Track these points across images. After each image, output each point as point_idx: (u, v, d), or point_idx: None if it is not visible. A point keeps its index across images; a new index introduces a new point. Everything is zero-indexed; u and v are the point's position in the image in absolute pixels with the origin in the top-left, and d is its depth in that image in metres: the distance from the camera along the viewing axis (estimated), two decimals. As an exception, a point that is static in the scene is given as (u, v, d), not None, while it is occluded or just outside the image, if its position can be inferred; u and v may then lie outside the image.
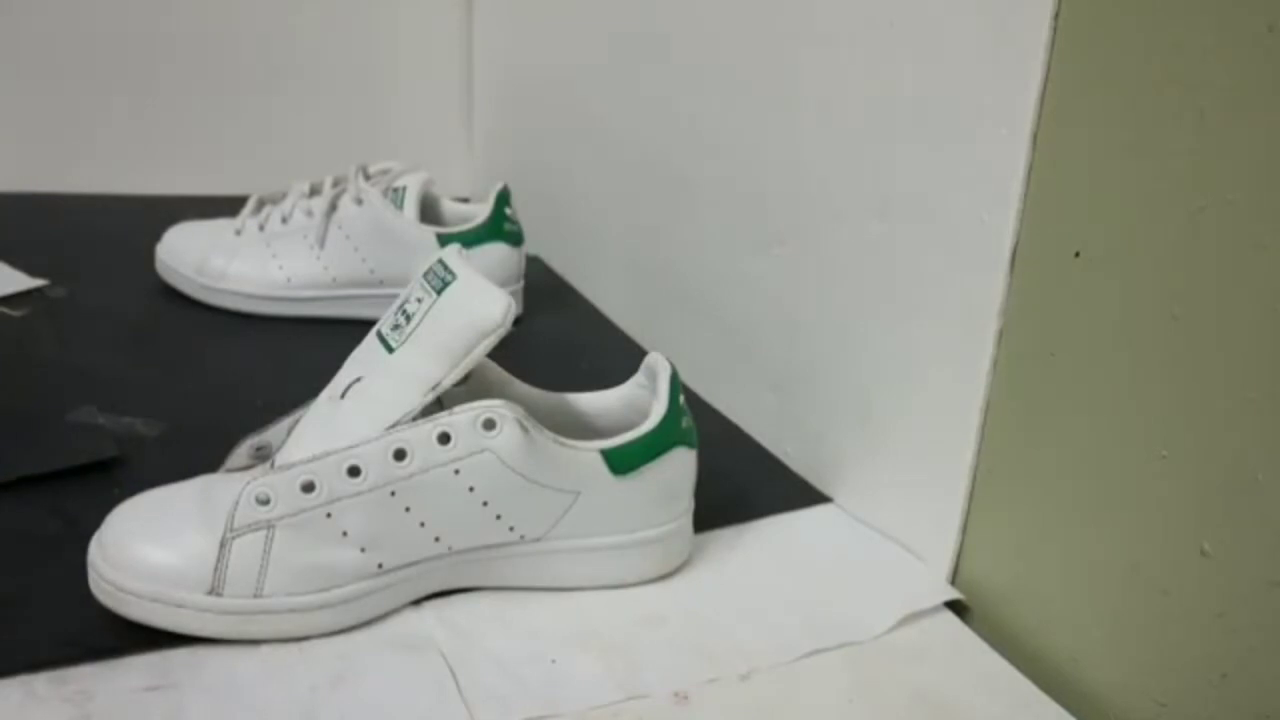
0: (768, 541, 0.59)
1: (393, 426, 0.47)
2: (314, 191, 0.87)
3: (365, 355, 0.50)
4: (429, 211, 0.89)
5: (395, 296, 0.51)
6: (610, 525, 0.52)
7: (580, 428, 0.55)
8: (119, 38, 1.10)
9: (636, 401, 0.55)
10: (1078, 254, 0.47)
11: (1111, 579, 0.47)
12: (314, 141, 1.19)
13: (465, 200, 0.93)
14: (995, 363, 0.52)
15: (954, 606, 0.54)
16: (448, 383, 0.48)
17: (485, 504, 0.49)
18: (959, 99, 0.51)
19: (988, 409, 0.53)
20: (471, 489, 0.49)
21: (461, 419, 0.48)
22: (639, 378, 0.56)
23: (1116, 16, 0.45)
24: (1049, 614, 0.51)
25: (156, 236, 0.87)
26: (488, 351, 0.48)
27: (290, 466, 0.47)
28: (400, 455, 0.47)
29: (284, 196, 0.88)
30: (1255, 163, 0.40)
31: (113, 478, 0.58)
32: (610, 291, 0.91)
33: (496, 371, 0.54)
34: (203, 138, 1.14)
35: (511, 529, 0.50)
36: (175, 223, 0.88)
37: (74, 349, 0.73)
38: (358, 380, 0.48)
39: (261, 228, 0.85)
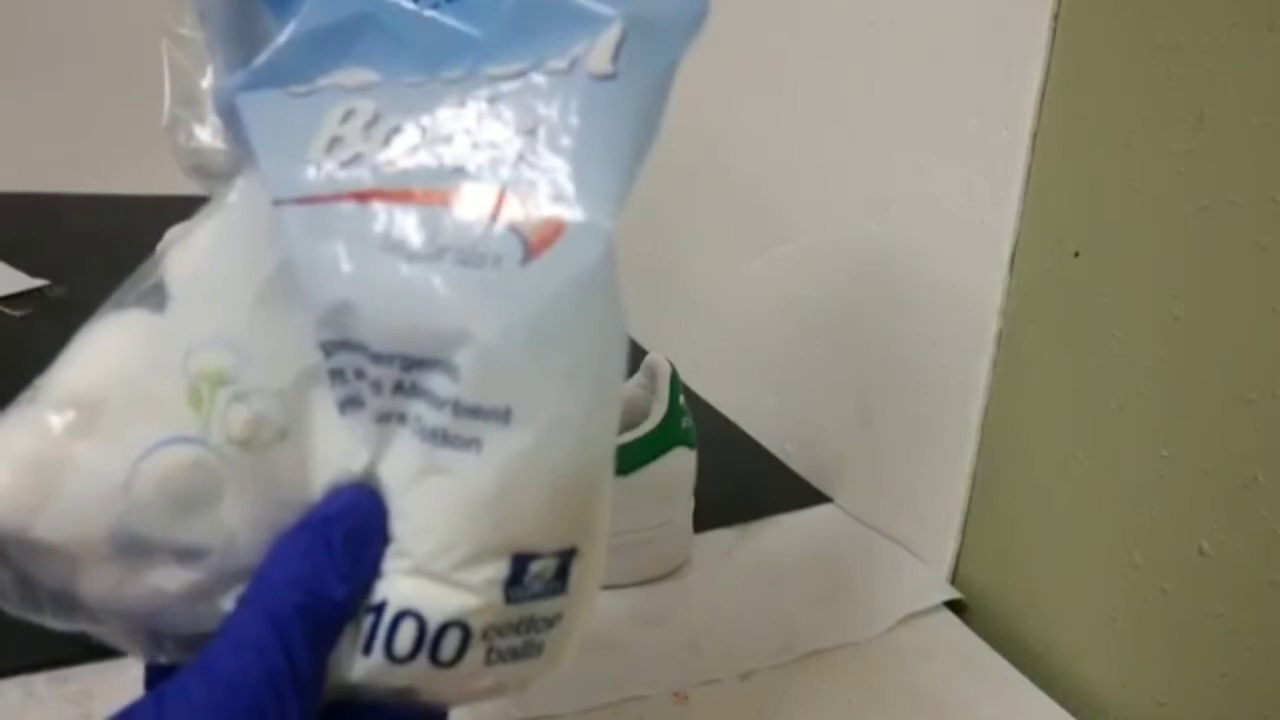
0: (768, 541, 0.59)
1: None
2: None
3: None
4: (429, 211, 0.89)
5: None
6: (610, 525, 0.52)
7: (580, 428, 0.55)
8: (120, 37, 1.10)
9: (636, 401, 0.55)
10: (1077, 254, 0.47)
11: (1111, 579, 0.47)
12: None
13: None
14: (995, 363, 0.52)
15: (954, 606, 0.54)
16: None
17: (485, 504, 0.49)
18: (959, 99, 0.51)
19: (988, 409, 0.53)
20: (472, 489, 0.49)
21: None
22: (639, 378, 0.56)
23: (1116, 16, 0.45)
24: (1049, 614, 0.51)
25: (156, 236, 0.87)
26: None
27: (290, 466, 0.47)
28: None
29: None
30: (1255, 163, 0.40)
31: (113, 478, 0.58)
32: (610, 291, 0.91)
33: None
34: (203, 138, 1.14)
35: (511, 529, 0.50)
36: (175, 223, 0.88)
37: (74, 349, 0.72)
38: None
39: (262, 228, 0.85)
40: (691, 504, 0.55)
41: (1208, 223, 0.42)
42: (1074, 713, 0.47)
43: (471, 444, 0.25)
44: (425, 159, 0.26)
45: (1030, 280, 0.50)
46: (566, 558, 0.27)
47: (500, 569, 0.26)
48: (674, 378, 0.54)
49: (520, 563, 0.26)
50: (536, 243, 0.25)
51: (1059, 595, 0.50)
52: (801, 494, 0.64)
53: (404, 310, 0.25)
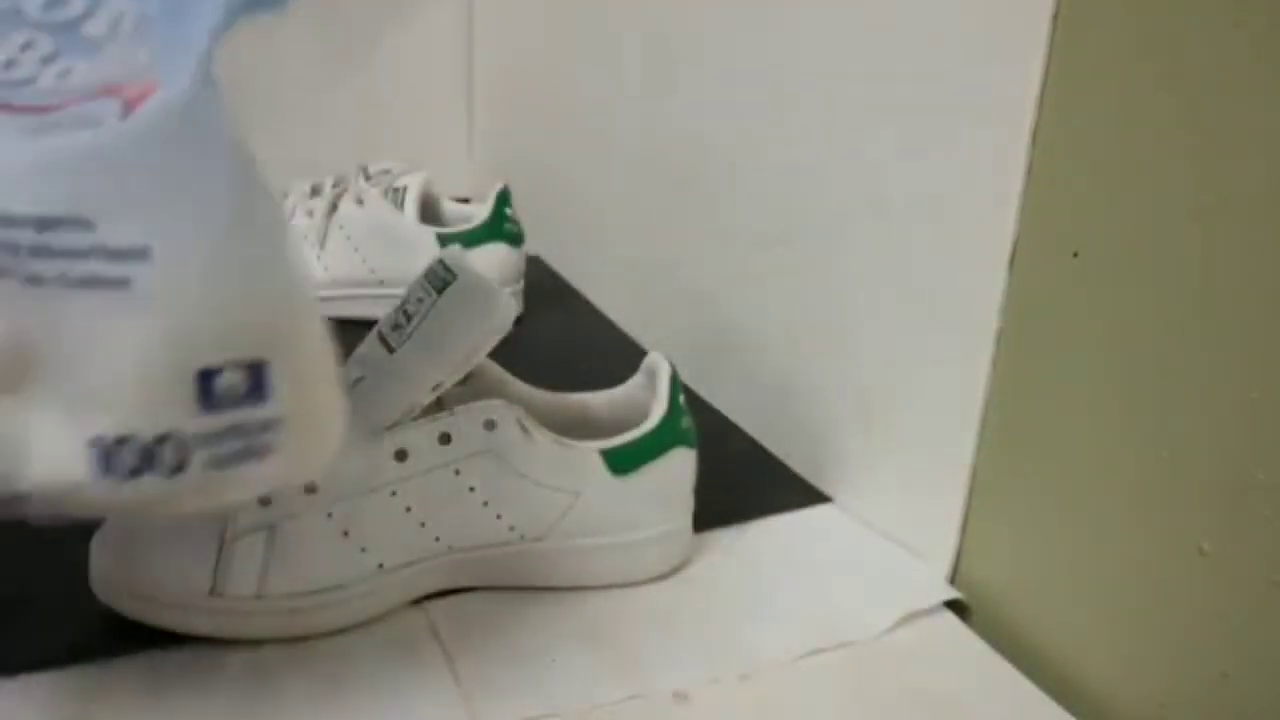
0: (768, 541, 0.59)
1: (393, 427, 0.47)
2: (314, 192, 0.87)
3: (366, 355, 0.50)
4: (429, 211, 0.89)
5: (395, 296, 0.51)
6: (610, 525, 0.52)
7: (580, 428, 0.55)
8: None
9: (636, 401, 0.55)
10: (1077, 254, 0.47)
11: (1111, 579, 0.47)
12: (314, 141, 1.19)
13: (465, 200, 0.93)
14: (995, 363, 0.52)
15: (954, 606, 0.54)
16: (448, 383, 0.48)
17: (485, 504, 0.49)
18: (959, 99, 0.51)
19: (988, 409, 0.53)
20: (472, 489, 0.49)
21: (462, 419, 0.48)
22: (639, 378, 0.56)
23: (1116, 16, 0.45)
24: (1049, 614, 0.51)
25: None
26: (488, 351, 0.48)
27: (290, 466, 0.47)
28: (401, 456, 0.47)
29: (284, 197, 0.88)
30: (1255, 163, 0.40)
31: (113, 478, 0.58)
32: (610, 291, 0.91)
33: (496, 371, 0.54)
34: (203, 138, 1.14)
35: (511, 529, 0.50)
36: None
37: (74, 349, 0.72)
38: (358, 380, 0.48)
39: (262, 228, 0.85)
40: (691, 504, 0.55)
41: (1208, 223, 0.42)
42: (1074, 713, 0.47)
43: (121, 283, 0.29)
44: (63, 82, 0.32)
45: (1030, 280, 0.50)
46: (257, 369, 0.31)
47: (185, 387, 0.30)
48: (674, 378, 0.54)
49: (205, 379, 0.31)
50: (132, 100, 0.30)
51: (1059, 595, 0.50)
52: (801, 494, 0.64)
53: (28, 172, 0.29)
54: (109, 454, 0.31)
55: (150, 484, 0.31)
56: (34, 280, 0.30)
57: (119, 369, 0.30)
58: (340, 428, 0.35)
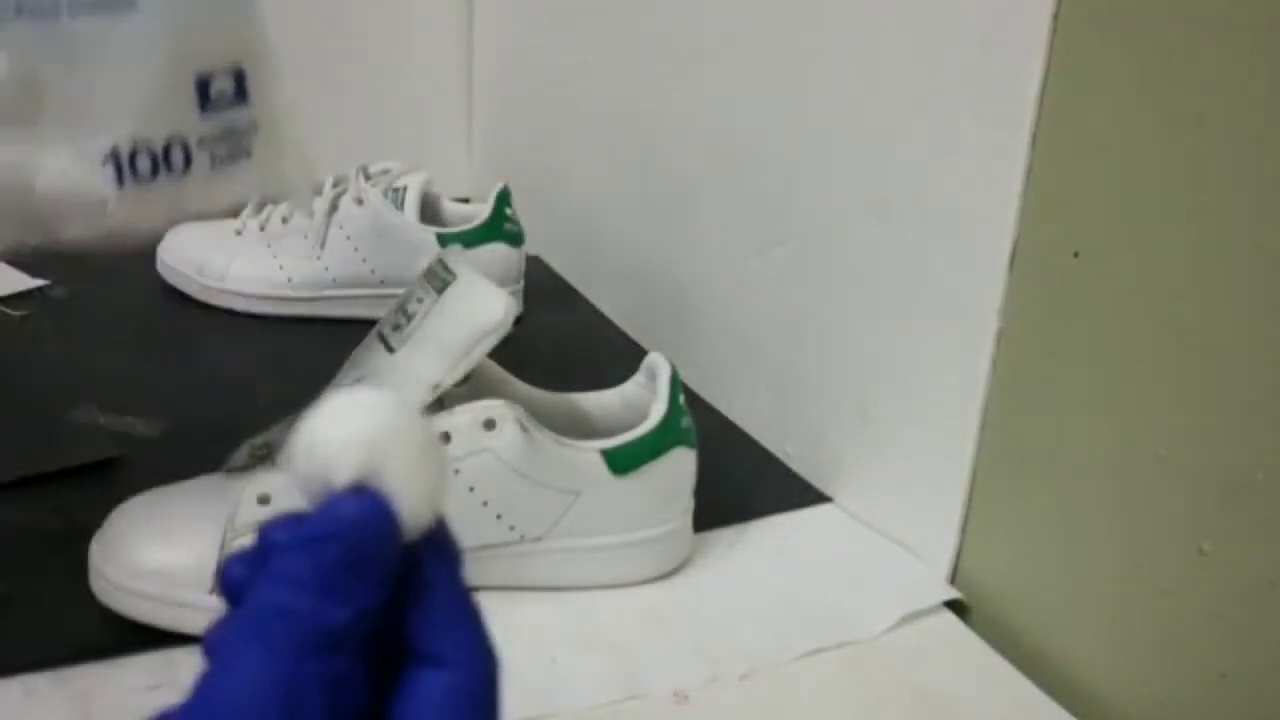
0: (768, 541, 0.59)
1: (393, 426, 0.47)
2: (314, 191, 0.87)
3: (366, 355, 0.50)
4: (429, 211, 0.89)
5: (395, 296, 0.51)
6: (610, 525, 0.52)
7: (580, 428, 0.55)
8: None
9: (636, 401, 0.55)
10: (1077, 254, 0.47)
11: (1111, 579, 0.47)
12: (314, 141, 1.19)
13: (465, 200, 0.93)
14: (995, 363, 0.52)
15: (954, 606, 0.54)
16: (448, 383, 0.48)
17: (485, 504, 0.49)
18: (959, 99, 0.51)
19: (988, 409, 0.53)
20: (471, 489, 0.49)
21: (462, 419, 0.48)
22: (639, 378, 0.56)
23: (1116, 16, 0.45)
24: (1049, 614, 0.51)
25: (158, 236, 0.87)
26: (488, 351, 0.48)
27: (290, 466, 0.47)
28: (400, 455, 0.47)
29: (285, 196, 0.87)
30: (1255, 163, 0.40)
31: (113, 478, 0.58)
32: (610, 291, 0.91)
33: (496, 371, 0.54)
34: (203, 138, 1.14)
35: (511, 529, 0.50)
36: (174, 224, 0.88)
37: (75, 349, 0.73)
38: (359, 380, 0.48)
39: (262, 228, 0.85)
40: (691, 504, 0.55)
41: (1207, 223, 0.42)
42: (1074, 713, 0.47)
43: (128, 5, 0.35)
44: None
45: (1030, 280, 0.50)
46: (239, 75, 0.38)
47: (187, 93, 0.37)
48: (674, 378, 0.54)
49: (203, 85, 0.37)
50: None
51: (1059, 595, 0.50)
52: (801, 494, 0.64)
53: None
54: (126, 163, 0.36)
55: (163, 187, 0.37)
56: (45, 11, 0.33)
57: (130, 84, 0.35)
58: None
